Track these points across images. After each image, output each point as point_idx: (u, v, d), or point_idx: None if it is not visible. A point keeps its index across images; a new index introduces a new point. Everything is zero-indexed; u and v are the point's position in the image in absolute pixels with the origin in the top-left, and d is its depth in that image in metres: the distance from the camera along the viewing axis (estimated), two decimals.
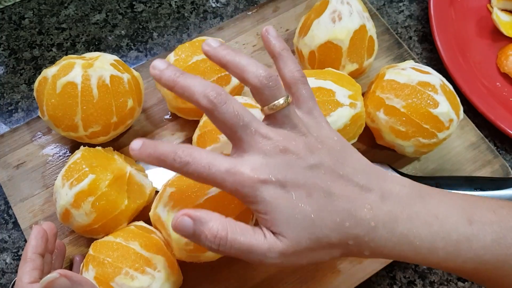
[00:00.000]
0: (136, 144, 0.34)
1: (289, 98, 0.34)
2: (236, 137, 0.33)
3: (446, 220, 0.34)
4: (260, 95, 0.34)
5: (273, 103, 0.34)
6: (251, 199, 0.32)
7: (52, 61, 0.57)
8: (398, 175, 0.37)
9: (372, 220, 0.33)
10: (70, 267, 0.46)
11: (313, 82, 0.45)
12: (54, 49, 0.58)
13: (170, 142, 0.33)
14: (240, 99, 0.46)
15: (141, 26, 0.60)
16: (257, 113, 0.44)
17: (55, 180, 0.44)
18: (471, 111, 0.54)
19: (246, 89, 0.54)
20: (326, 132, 0.36)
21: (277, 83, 0.34)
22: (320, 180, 0.33)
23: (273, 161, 0.33)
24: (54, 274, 0.32)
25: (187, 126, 0.52)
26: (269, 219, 0.33)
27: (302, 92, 0.36)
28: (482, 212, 0.35)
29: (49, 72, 0.45)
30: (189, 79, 0.33)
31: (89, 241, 0.44)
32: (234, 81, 0.48)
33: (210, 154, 0.33)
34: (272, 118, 0.34)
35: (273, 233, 0.33)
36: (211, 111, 0.33)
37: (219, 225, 0.32)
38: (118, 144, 0.51)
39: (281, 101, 0.34)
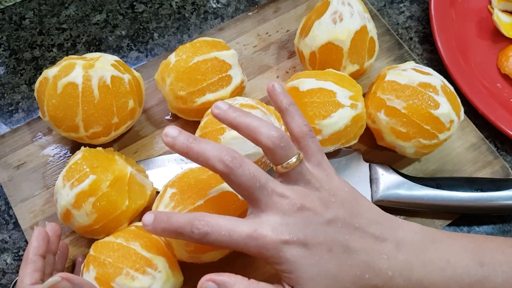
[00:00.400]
0: (148, 219, 0.34)
1: (300, 155, 0.35)
2: (254, 198, 0.34)
3: (458, 264, 0.36)
4: (273, 155, 0.35)
5: (287, 162, 0.35)
6: (275, 260, 0.33)
7: (53, 62, 0.57)
8: (408, 222, 0.38)
9: (389, 269, 0.35)
10: (72, 267, 0.46)
11: (314, 83, 0.45)
12: (54, 50, 0.58)
13: (182, 213, 0.35)
14: (241, 99, 0.46)
15: (141, 27, 0.60)
16: (259, 113, 0.44)
17: (56, 180, 0.44)
18: (472, 112, 0.54)
19: (247, 89, 0.54)
20: (336, 183, 0.37)
21: (289, 142, 0.35)
22: (337, 234, 0.34)
23: (292, 220, 0.34)
24: (56, 278, 0.32)
25: (187, 126, 0.52)
26: (293, 277, 0.34)
27: (311, 145, 0.37)
28: (491, 253, 0.37)
29: (49, 72, 0.45)
30: (203, 144, 0.34)
31: (90, 241, 0.44)
32: (235, 81, 0.48)
33: (228, 220, 0.33)
34: (286, 175, 0.35)
35: None
36: (228, 175, 0.33)
37: None
38: (119, 144, 0.51)
39: (293, 159, 0.35)
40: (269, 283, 0.34)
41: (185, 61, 0.47)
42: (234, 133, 0.43)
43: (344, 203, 0.36)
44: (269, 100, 0.53)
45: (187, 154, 0.34)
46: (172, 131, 0.35)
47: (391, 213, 0.48)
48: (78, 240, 0.47)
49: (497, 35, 0.59)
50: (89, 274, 0.39)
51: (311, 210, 0.34)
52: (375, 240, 0.35)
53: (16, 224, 0.49)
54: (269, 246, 0.33)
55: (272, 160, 0.35)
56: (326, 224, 0.34)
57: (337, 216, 0.35)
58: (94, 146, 0.47)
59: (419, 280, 0.35)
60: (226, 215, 0.34)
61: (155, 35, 0.59)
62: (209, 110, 0.46)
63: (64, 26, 0.59)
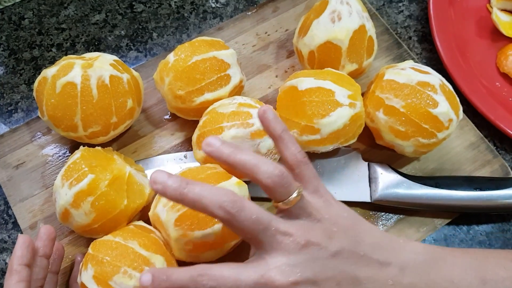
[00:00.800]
0: (146, 280, 0.32)
1: (300, 189, 0.34)
2: (257, 240, 0.34)
3: (461, 283, 0.36)
4: (274, 193, 0.34)
5: (288, 199, 0.34)
6: None
7: (52, 61, 0.57)
8: (410, 241, 0.38)
9: None
10: (71, 267, 0.46)
11: (312, 82, 0.45)
12: (53, 50, 0.58)
13: (182, 267, 0.33)
14: (240, 98, 0.46)
15: (140, 26, 0.60)
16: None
17: (55, 180, 0.44)
18: (471, 111, 0.54)
19: (246, 88, 0.54)
20: (335, 209, 0.37)
21: (289, 179, 0.34)
22: (344, 266, 0.34)
23: (299, 258, 0.33)
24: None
25: (186, 126, 0.52)
26: None
27: (306, 172, 0.36)
28: (493, 270, 0.37)
29: (48, 72, 0.45)
30: (198, 188, 0.32)
31: (89, 241, 0.44)
32: (234, 80, 0.48)
33: (232, 269, 0.33)
34: (287, 211, 0.35)
35: None
36: (230, 221, 0.32)
37: None
38: (118, 144, 0.51)
39: (294, 195, 0.34)
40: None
41: (183, 61, 0.47)
42: (233, 132, 0.43)
43: (346, 231, 0.35)
44: (268, 99, 0.54)
45: (182, 201, 0.33)
46: (161, 176, 0.32)
47: (390, 212, 0.49)
48: (77, 240, 0.47)
49: (496, 34, 0.59)
50: (87, 273, 0.39)
51: (316, 245, 0.34)
52: (380, 266, 0.35)
53: (15, 224, 0.49)
54: None
55: (273, 198, 0.35)
56: (332, 257, 0.34)
57: (342, 247, 0.34)
58: (93, 146, 0.47)
59: None
60: (229, 262, 0.33)
61: (154, 34, 0.59)
62: (208, 110, 0.47)
63: (63, 26, 0.59)
